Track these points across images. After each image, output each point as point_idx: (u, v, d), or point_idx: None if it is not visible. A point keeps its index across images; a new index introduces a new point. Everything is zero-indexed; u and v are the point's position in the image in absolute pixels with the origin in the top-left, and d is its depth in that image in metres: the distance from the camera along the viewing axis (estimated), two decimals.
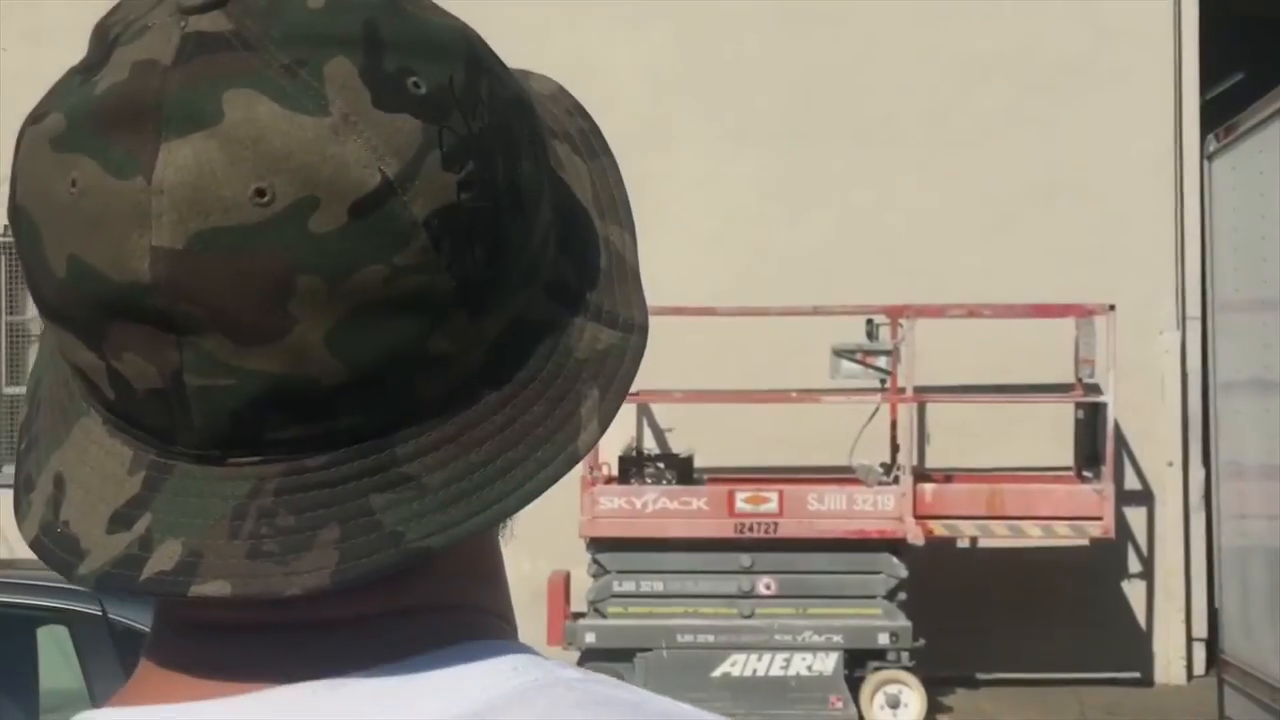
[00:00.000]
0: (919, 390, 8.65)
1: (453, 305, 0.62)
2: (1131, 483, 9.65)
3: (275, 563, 0.61)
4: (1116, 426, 8.82)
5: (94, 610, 3.68)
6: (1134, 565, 9.79)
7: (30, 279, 0.64)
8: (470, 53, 0.63)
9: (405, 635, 0.64)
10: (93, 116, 0.61)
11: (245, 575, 0.61)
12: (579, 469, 8.81)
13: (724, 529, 8.33)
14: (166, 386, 0.61)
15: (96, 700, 3.57)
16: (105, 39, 0.63)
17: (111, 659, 3.62)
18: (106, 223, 0.60)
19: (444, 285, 0.61)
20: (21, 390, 10.11)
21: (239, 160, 0.59)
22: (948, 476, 8.84)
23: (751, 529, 8.33)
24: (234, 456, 0.62)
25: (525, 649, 0.67)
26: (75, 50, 0.67)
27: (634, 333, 0.68)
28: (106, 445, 0.64)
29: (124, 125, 0.60)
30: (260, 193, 0.59)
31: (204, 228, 0.59)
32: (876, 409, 8.93)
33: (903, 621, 8.24)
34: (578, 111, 0.80)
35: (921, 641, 8.22)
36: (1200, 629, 9.63)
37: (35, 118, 0.64)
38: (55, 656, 3.85)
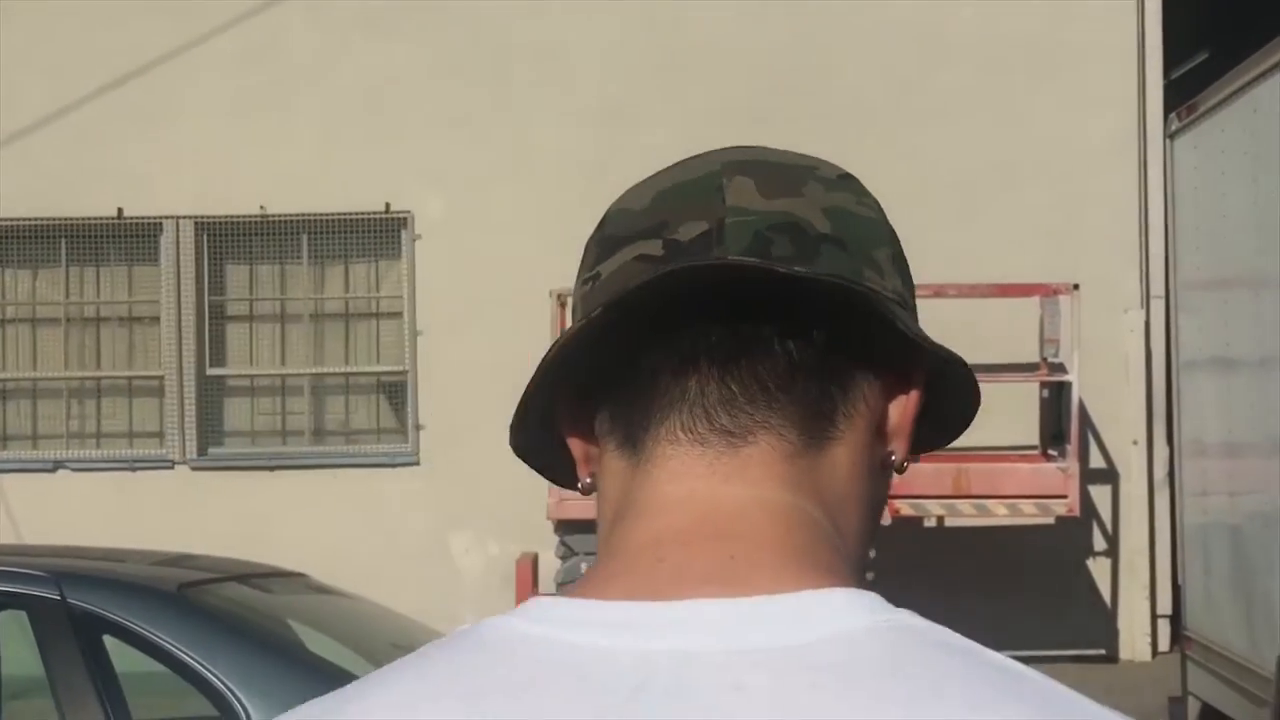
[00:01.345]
0: None
1: (891, 246, 0.92)
2: (1096, 461, 9.71)
3: (787, 255, 0.85)
4: (1081, 405, 8.87)
5: (52, 595, 3.66)
6: (1099, 543, 9.86)
7: (606, 240, 0.88)
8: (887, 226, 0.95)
9: (819, 555, 0.83)
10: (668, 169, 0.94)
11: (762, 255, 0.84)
12: None
13: None
14: (714, 225, 0.85)
15: (56, 687, 3.55)
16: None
17: (70, 643, 3.60)
18: (689, 166, 0.93)
19: (886, 232, 0.93)
20: (223, 371, 10.10)
21: (772, 151, 0.95)
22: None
23: None
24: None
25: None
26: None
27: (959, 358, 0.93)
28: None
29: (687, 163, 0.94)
30: (784, 155, 0.95)
31: (759, 159, 0.94)
32: None
33: None
34: None
35: None
36: (1165, 606, 9.71)
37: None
38: (15, 642, 3.83)
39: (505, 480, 9.76)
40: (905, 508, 8.30)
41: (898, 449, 0.89)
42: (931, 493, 8.35)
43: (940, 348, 0.87)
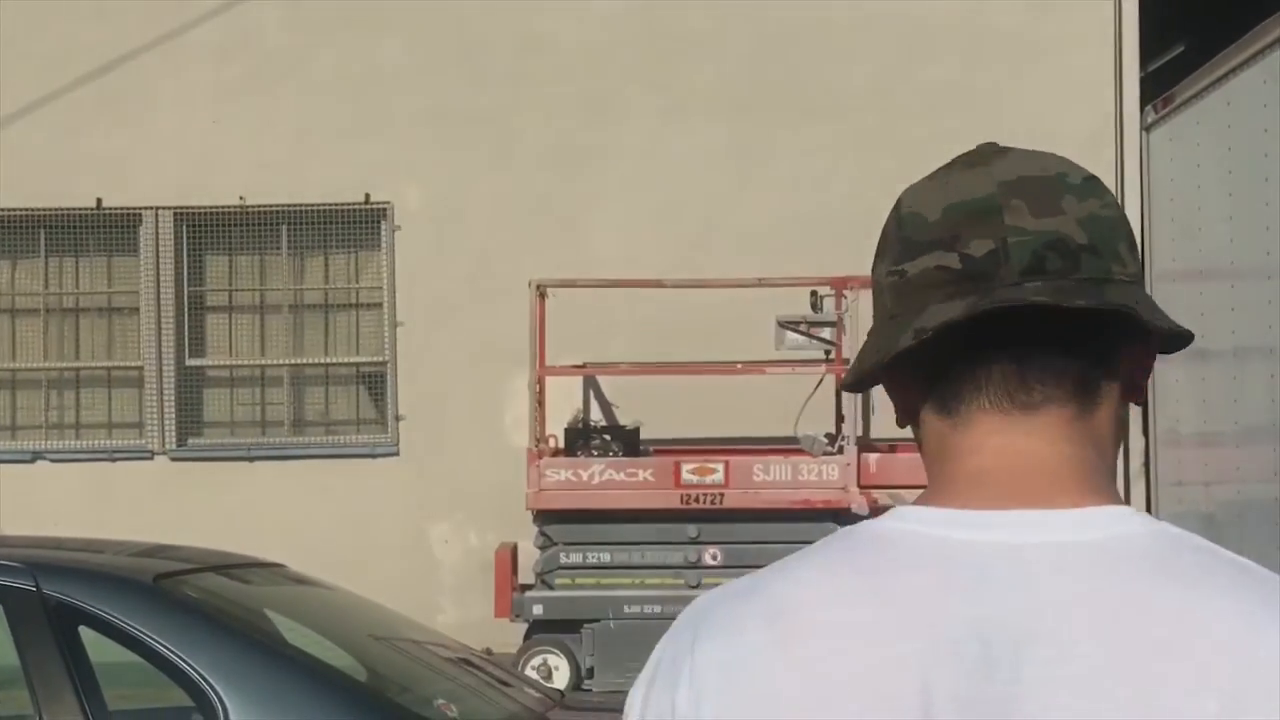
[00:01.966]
0: None
1: (1128, 236, 1.17)
2: None
3: (1066, 293, 1.12)
4: None
5: (28, 586, 3.66)
6: None
7: (907, 241, 1.15)
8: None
9: (1097, 484, 1.13)
10: (952, 163, 1.20)
11: (1053, 296, 1.11)
12: (525, 441, 8.83)
13: (670, 500, 8.37)
14: (998, 246, 1.12)
15: (32, 678, 3.55)
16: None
17: (46, 634, 3.60)
18: (970, 185, 1.16)
19: (1125, 227, 1.17)
20: (203, 362, 10.08)
21: (1036, 160, 1.19)
22: (892, 446, 8.91)
23: (698, 500, 8.37)
24: (1029, 280, 1.12)
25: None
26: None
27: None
28: (944, 307, 1.13)
29: (969, 162, 1.19)
30: (1044, 169, 1.17)
31: (1025, 175, 1.17)
32: (821, 380, 8.98)
33: None
34: None
35: None
36: None
37: (911, 187, 1.19)
38: None
39: (484, 471, 9.80)
40: (883, 497, 8.33)
41: (1137, 399, 1.19)
42: (908, 482, 8.37)
43: (1174, 325, 1.15)
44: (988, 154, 1.18)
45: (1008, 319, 1.11)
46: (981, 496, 1.11)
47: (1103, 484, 1.13)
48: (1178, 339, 1.17)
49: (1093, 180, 1.17)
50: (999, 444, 1.13)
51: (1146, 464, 9.37)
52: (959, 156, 1.20)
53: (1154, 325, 1.13)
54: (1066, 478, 1.12)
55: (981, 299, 1.10)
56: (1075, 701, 1.03)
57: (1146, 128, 9.50)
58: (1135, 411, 10.43)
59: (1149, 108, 9.49)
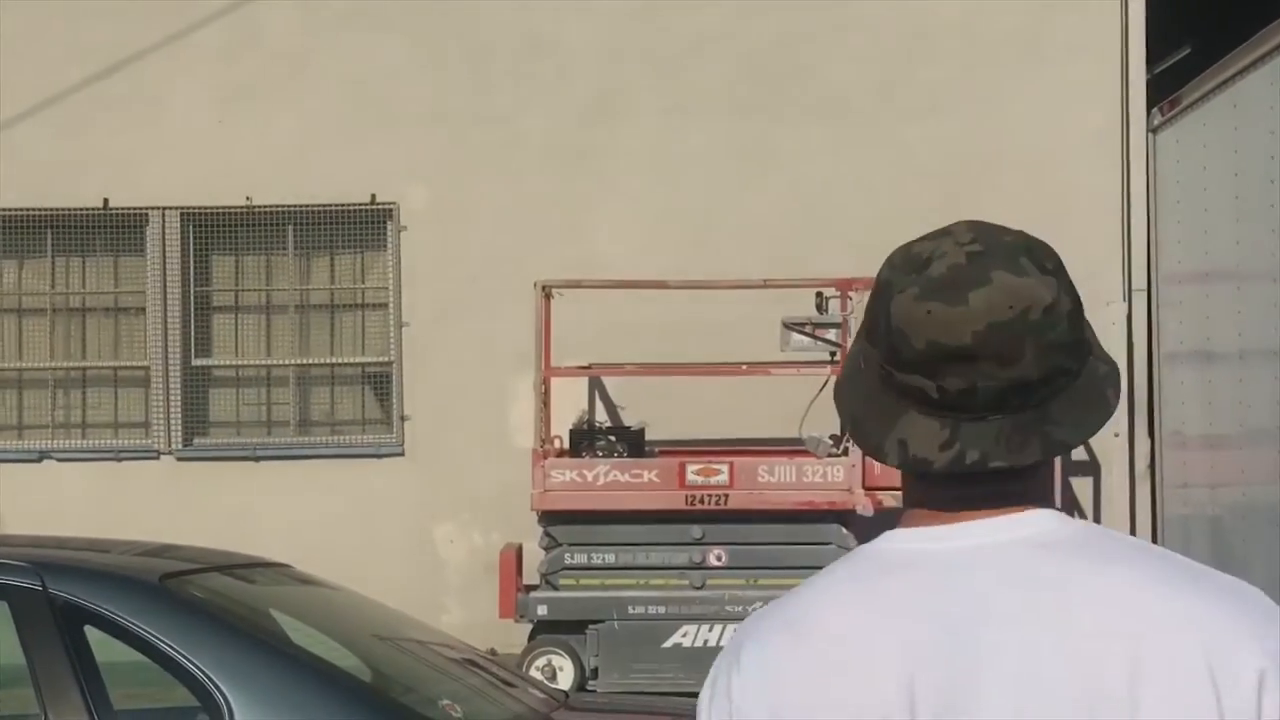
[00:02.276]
0: None
1: (1073, 346, 1.46)
2: (1078, 453, 9.75)
3: (1013, 451, 1.42)
4: None
5: (34, 585, 3.67)
6: None
7: (895, 351, 1.45)
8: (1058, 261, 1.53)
9: (1039, 494, 1.47)
10: (936, 282, 1.44)
11: (1004, 457, 1.42)
12: (530, 441, 8.83)
13: (675, 501, 8.37)
14: (969, 387, 1.42)
15: (37, 677, 3.56)
16: (919, 259, 1.48)
17: (52, 633, 3.61)
18: (949, 325, 1.42)
19: (1072, 338, 1.46)
20: (209, 362, 10.09)
21: (1005, 296, 1.42)
22: None
23: (702, 501, 8.38)
24: (991, 415, 1.43)
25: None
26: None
27: (1113, 364, 1.52)
28: (923, 422, 1.44)
29: (950, 287, 1.43)
30: (1011, 308, 1.42)
31: (994, 321, 1.41)
32: (826, 381, 8.98)
33: None
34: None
35: None
36: None
37: (901, 287, 1.47)
38: None
39: (490, 471, 9.80)
40: (888, 499, 8.33)
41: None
42: None
43: (1090, 431, 1.49)
44: (966, 281, 1.43)
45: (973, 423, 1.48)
46: (941, 517, 1.47)
47: (1039, 498, 1.48)
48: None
49: (1052, 307, 1.44)
50: (958, 495, 1.48)
51: (1152, 466, 9.36)
52: (947, 262, 1.46)
53: (1076, 443, 1.49)
54: (1010, 496, 1.47)
55: (954, 434, 1.44)
56: (1019, 664, 1.38)
57: (1153, 130, 9.49)
58: (1141, 413, 10.35)
59: (1155, 110, 9.48)
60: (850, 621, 1.42)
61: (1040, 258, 1.47)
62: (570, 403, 9.34)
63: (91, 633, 3.64)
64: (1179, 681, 1.34)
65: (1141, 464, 9.62)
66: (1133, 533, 9.82)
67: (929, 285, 1.43)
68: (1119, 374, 1.52)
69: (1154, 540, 8.86)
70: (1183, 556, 1.44)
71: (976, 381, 1.41)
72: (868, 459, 8.46)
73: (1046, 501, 1.47)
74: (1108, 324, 9.80)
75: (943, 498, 1.46)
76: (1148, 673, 1.34)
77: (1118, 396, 1.50)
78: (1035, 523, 1.44)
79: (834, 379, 8.92)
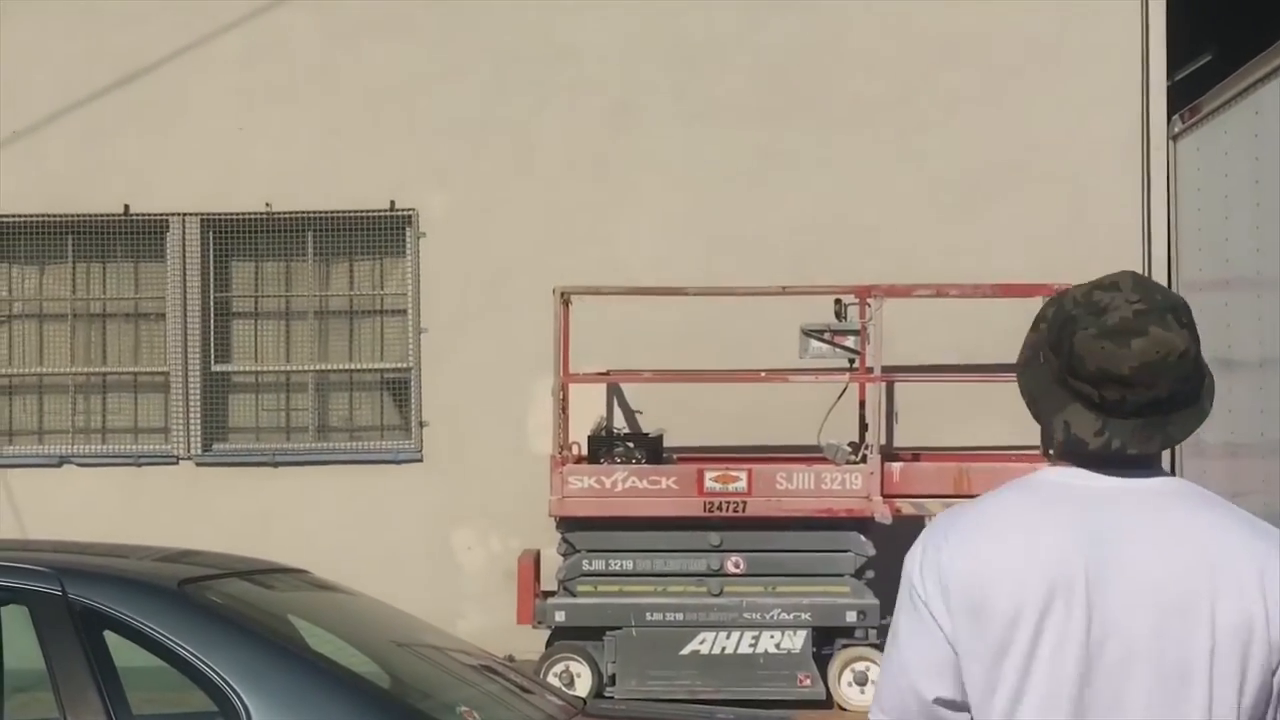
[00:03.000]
0: (887, 370, 8.70)
1: (1194, 376, 2.16)
2: None
3: (1143, 443, 2.14)
4: None
5: (54, 590, 3.68)
6: None
7: (1073, 368, 2.16)
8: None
9: (1156, 466, 2.19)
10: (1109, 329, 2.13)
11: (1138, 446, 2.13)
12: (549, 448, 8.84)
13: (693, 508, 8.37)
14: (1121, 399, 2.12)
15: (57, 681, 3.57)
16: (1097, 306, 2.17)
17: (71, 638, 3.61)
18: (1115, 359, 2.12)
19: (1194, 372, 2.16)
20: (228, 368, 10.12)
21: (1155, 345, 2.11)
22: (915, 455, 8.90)
23: (720, 508, 8.37)
24: (1132, 417, 2.13)
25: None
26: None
27: (1211, 377, 2.19)
28: (1084, 414, 2.14)
29: (1119, 333, 2.13)
30: (1158, 353, 2.12)
31: (1145, 361, 2.10)
32: (845, 388, 8.98)
33: (870, 599, 8.30)
34: None
35: (889, 619, 8.26)
36: None
37: (1084, 325, 2.15)
38: (16, 637, 3.84)
39: (508, 477, 9.81)
40: (906, 507, 8.32)
41: None
42: (932, 491, 8.37)
43: (1197, 424, 2.18)
44: (1130, 330, 2.09)
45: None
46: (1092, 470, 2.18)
47: (1155, 467, 2.17)
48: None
49: (1184, 354, 2.09)
50: (1102, 465, 2.18)
51: (1172, 474, 9.32)
52: (1118, 314, 2.12)
53: (1182, 439, 2.16)
54: (1145, 462, 2.16)
55: (1104, 427, 2.13)
56: (1137, 566, 2.08)
57: (1173, 137, 9.47)
58: None
59: (1176, 117, 9.46)
60: (1025, 523, 2.10)
61: (1181, 315, 2.11)
62: (588, 409, 9.35)
63: (111, 637, 3.65)
64: (1241, 588, 2.05)
65: None
66: None
67: (1104, 329, 2.10)
68: (1214, 385, 2.17)
69: None
70: (1242, 509, 2.14)
71: (1127, 396, 2.09)
72: (885, 467, 8.47)
73: (1160, 470, 2.16)
74: None
75: (1092, 463, 2.14)
76: (1220, 582, 2.05)
77: (1211, 403, 2.15)
78: (1154, 478, 2.14)
79: (853, 386, 8.95)
